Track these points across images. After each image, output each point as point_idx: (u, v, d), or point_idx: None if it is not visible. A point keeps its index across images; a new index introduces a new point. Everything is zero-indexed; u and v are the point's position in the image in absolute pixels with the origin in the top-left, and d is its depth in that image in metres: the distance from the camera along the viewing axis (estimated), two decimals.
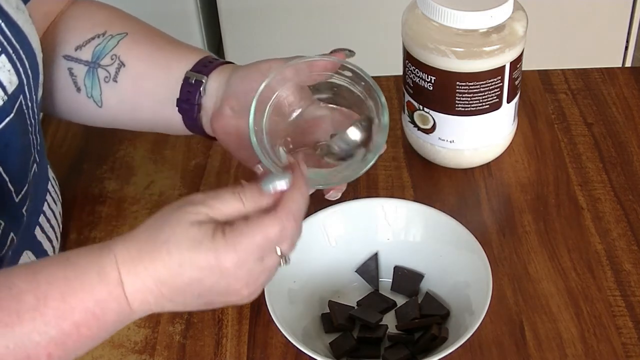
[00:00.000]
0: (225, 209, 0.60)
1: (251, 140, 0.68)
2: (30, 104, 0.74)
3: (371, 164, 0.69)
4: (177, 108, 0.79)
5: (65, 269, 0.59)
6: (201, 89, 0.78)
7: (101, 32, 0.82)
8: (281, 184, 0.61)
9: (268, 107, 0.71)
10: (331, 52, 0.73)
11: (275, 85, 0.71)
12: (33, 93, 0.75)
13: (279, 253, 0.62)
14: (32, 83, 0.75)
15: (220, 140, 0.79)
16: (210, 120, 0.78)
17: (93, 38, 0.81)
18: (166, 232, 0.59)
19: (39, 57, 0.77)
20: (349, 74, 0.71)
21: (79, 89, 0.82)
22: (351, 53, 0.73)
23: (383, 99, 0.69)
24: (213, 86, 0.78)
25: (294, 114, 0.74)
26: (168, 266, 0.59)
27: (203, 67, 0.79)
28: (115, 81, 0.81)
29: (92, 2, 0.86)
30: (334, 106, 0.75)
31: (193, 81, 0.78)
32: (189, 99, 0.78)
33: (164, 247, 0.59)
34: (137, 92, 0.81)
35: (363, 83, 0.70)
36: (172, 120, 0.81)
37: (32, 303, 0.57)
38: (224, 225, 0.59)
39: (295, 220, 0.61)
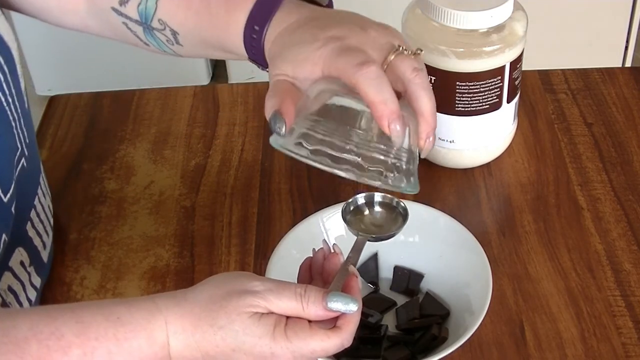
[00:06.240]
0: (284, 306, 0.61)
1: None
2: (10, 99, 0.73)
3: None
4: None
5: (115, 327, 0.59)
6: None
7: None
8: (350, 309, 0.61)
9: None
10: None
11: None
12: (12, 87, 0.74)
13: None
14: (9, 78, 0.73)
15: None
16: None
17: None
18: (223, 318, 0.60)
19: (14, 48, 0.75)
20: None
21: (146, 44, 0.80)
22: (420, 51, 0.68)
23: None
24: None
25: None
26: (220, 349, 0.60)
27: (254, 42, 0.73)
28: (180, 44, 0.78)
29: None
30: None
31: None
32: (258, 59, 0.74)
33: (220, 332, 0.60)
34: (205, 48, 0.78)
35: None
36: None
37: (79, 358, 0.58)
38: (283, 322, 0.60)
39: (351, 339, 0.62)
